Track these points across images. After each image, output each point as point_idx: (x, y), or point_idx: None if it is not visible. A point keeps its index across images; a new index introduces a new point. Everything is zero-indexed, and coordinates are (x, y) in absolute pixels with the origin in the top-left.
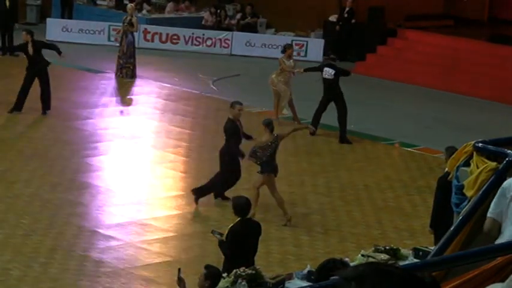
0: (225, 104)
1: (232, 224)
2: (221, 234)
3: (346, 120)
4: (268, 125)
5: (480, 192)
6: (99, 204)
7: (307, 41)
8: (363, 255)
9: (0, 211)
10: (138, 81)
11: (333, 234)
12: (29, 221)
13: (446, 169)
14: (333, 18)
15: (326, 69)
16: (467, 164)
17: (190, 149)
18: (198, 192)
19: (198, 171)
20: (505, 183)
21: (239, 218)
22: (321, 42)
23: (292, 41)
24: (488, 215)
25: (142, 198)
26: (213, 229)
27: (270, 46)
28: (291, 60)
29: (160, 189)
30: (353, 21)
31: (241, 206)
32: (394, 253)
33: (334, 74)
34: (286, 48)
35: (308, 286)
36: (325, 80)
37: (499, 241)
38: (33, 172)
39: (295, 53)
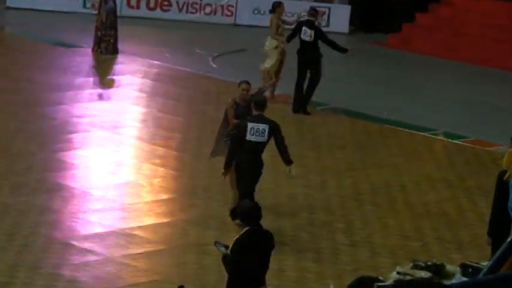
0: (227, 86)
1: (238, 235)
2: (226, 247)
3: (313, 91)
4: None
5: None
6: (72, 211)
7: (329, 8)
8: (398, 273)
9: None
10: (120, 58)
11: (362, 247)
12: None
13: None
14: None
15: (304, 28)
16: None
17: (184, 141)
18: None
19: (194, 169)
20: None
21: (247, 228)
22: (346, 9)
23: (310, 7)
24: None
25: (125, 203)
26: (216, 240)
27: (288, 14)
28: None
29: (148, 191)
30: None
31: (249, 212)
32: (438, 270)
33: (315, 36)
34: (276, 6)
35: None
36: (302, 42)
37: None
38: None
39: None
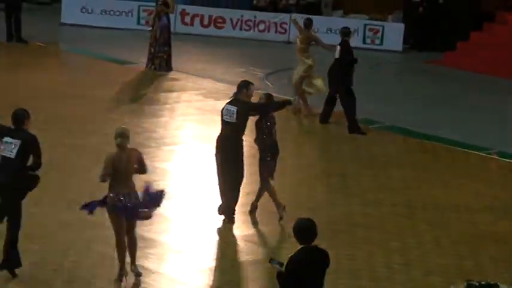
0: None
1: (293, 253)
2: (281, 264)
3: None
4: (269, 98)
5: None
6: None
7: (383, 26)
8: None
9: (4, 234)
10: (173, 75)
11: (417, 266)
12: (40, 247)
13: None
14: None
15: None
16: None
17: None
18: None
19: (248, 184)
20: None
21: (301, 246)
22: (400, 27)
23: (365, 25)
24: None
25: (179, 219)
26: (271, 257)
27: (337, 32)
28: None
29: (201, 207)
30: (440, 1)
31: (304, 230)
32: None
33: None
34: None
35: None
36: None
37: None
38: (46, 186)
39: (368, 40)
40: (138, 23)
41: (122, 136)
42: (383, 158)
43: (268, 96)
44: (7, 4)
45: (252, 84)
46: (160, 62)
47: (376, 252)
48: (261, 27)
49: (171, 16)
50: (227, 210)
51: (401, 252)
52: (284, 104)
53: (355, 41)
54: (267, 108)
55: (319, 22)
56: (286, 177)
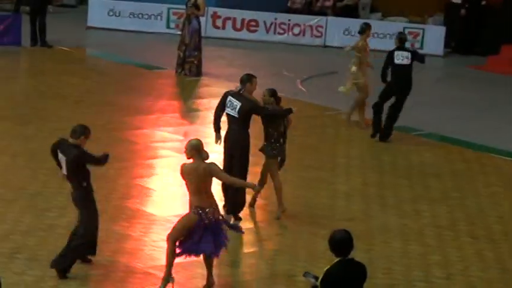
0: (316, 110)
1: (329, 265)
2: (316, 278)
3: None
4: (273, 94)
5: None
6: (153, 239)
7: (423, 29)
8: None
9: (29, 246)
10: (204, 80)
11: (458, 281)
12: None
13: None
14: None
15: (398, 52)
16: None
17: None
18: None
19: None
20: None
21: (338, 258)
22: (441, 30)
23: (404, 28)
24: None
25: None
26: (305, 271)
27: (375, 35)
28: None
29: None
30: (483, 2)
31: (341, 242)
32: None
33: (411, 58)
34: (367, 29)
35: None
36: (397, 66)
37: None
38: (70, 197)
39: (407, 44)
40: (168, 26)
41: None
42: (421, 167)
43: (272, 92)
44: (32, 8)
45: (254, 77)
46: (191, 67)
47: (415, 266)
48: (296, 30)
49: (202, 19)
50: (232, 208)
51: (441, 266)
52: (286, 112)
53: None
54: (269, 116)
55: (357, 25)
56: (322, 188)
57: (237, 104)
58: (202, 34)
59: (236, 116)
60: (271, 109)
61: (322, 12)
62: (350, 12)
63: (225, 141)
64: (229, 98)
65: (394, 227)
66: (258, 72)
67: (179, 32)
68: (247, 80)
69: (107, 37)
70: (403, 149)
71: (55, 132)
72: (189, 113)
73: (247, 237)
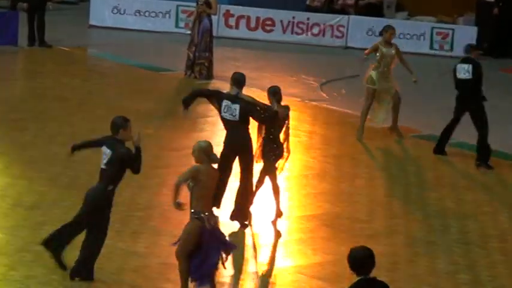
0: (337, 117)
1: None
2: None
3: (487, 143)
4: (275, 93)
5: None
6: (160, 255)
7: (453, 30)
8: None
9: (25, 262)
10: (215, 84)
11: None
12: (63, 277)
13: None
14: None
15: (461, 65)
16: None
17: (289, 178)
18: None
19: (299, 208)
20: None
21: (359, 277)
22: (472, 30)
23: (432, 28)
24: None
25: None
26: None
27: (401, 36)
28: (391, 48)
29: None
30: None
31: (362, 260)
32: None
33: (473, 73)
34: (384, 31)
35: None
36: (459, 81)
37: None
38: (71, 209)
39: (436, 45)
40: (177, 25)
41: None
42: (451, 179)
43: (274, 92)
44: (30, 4)
45: (245, 76)
46: (201, 70)
47: (443, 286)
48: (315, 30)
49: (214, 18)
50: (240, 215)
51: (471, 286)
52: (281, 115)
53: (421, 47)
54: (265, 122)
55: (381, 25)
56: (343, 201)
57: (236, 107)
58: (214, 34)
59: (237, 120)
60: (267, 114)
61: (343, 11)
62: (374, 10)
63: (227, 145)
64: (225, 102)
65: (420, 243)
66: (273, 76)
67: (189, 32)
68: (244, 82)
69: (111, 36)
70: (431, 159)
71: (54, 138)
72: (198, 119)
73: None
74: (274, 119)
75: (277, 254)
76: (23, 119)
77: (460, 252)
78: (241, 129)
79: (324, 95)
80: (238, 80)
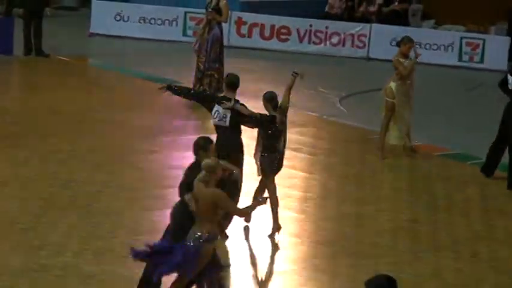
0: (358, 134)
1: None
2: None
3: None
4: (272, 99)
5: None
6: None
7: (484, 40)
8: None
9: None
10: None
11: None
12: None
13: None
14: None
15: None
16: None
17: (306, 201)
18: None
19: (316, 233)
20: None
21: None
22: (505, 41)
23: (461, 38)
24: None
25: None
26: None
27: (427, 46)
28: (409, 60)
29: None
30: None
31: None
32: None
33: None
34: (402, 43)
35: None
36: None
37: None
38: (69, 232)
39: (465, 57)
40: (184, 33)
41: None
42: (481, 202)
43: (271, 98)
44: (27, 10)
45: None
46: (211, 82)
47: None
48: (335, 39)
49: (224, 25)
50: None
51: None
52: (273, 119)
53: (449, 58)
54: (258, 124)
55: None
56: (364, 226)
57: (226, 112)
58: (225, 43)
59: (227, 125)
60: (254, 119)
61: (365, 19)
62: (398, 19)
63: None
64: (217, 107)
65: (448, 272)
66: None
67: (195, 40)
68: (238, 84)
69: (113, 45)
70: (460, 180)
71: (51, 155)
72: (210, 135)
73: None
74: (268, 123)
75: (291, 282)
76: (17, 135)
77: (490, 281)
78: (232, 134)
79: (344, 110)
80: (232, 83)
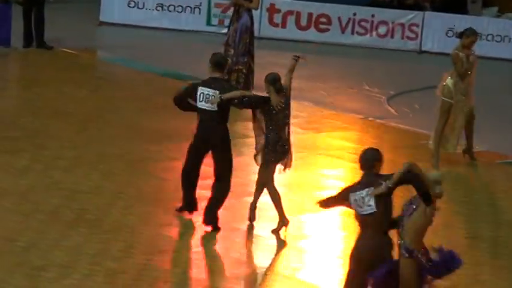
0: (407, 137)
1: None
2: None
3: None
4: (275, 81)
5: None
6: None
7: None
8: None
9: None
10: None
11: None
12: None
13: None
14: None
15: None
16: None
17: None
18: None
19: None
20: None
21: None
22: None
23: None
24: None
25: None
26: None
27: (489, 37)
28: (471, 56)
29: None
30: None
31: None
32: None
33: None
34: (464, 36)
35: None
36: None
37: None
38: (76, 251)
39: None
40: (208, 23)
41: None
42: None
43: (274, 79)
44: None
45: (228, 59)
46: (238, 77)
47: None
48: (382, 30)
49: (255, 13)
50: (213, 218)
51: None
52: (267, 100)
53: (509, 52)
54: (251, 105)
55: (463, 24)
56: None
57: (214, 92)
58: (255, 34)
59: (216, 109)
60: (251, 99)
61: (417, 6)
62: (455, 6)
63: (199, 137)
64: (201, 89)
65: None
66: (329, 86)
67: (224, 31)
68: (226, 64)
69: (126, 36)
70: (486, 179)
71: (55, 163)
72: (235, 140)
73: None
74: (258, 104)
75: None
76: (16, 139)
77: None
78: (219, 119)
79: (393, 110)
80: (218, 62)
